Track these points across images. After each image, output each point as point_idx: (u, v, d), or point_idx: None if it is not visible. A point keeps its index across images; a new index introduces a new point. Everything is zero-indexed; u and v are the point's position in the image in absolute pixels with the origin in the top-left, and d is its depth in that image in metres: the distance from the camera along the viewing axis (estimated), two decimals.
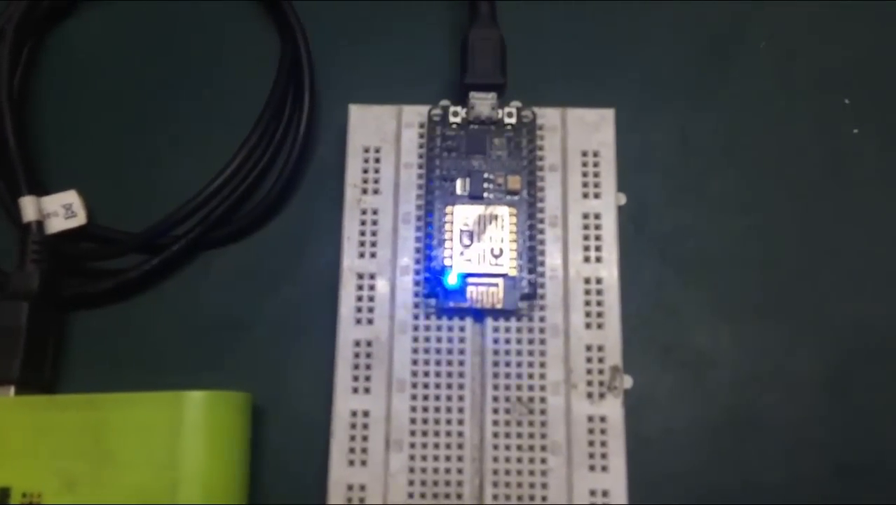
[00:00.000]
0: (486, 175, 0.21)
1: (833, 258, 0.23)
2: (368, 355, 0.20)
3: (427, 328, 0.21)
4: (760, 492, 0.21)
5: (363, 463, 0.20)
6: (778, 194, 0.23)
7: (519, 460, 0.20)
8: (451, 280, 0.20)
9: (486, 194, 0.21)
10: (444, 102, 0.22)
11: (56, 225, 0.21)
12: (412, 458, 0.20)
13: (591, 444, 0.20)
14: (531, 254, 0.21)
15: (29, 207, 0.21)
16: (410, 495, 0.19)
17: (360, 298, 0.21)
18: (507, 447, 0.20)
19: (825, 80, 0.24)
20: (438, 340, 0.20)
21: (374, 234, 0.21)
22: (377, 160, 0.22)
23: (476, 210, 0.21)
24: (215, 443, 0.19)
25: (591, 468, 0.20)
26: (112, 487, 0.18)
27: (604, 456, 0.20)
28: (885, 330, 0.22)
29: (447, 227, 0.21)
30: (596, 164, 0.22)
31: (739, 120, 0.24)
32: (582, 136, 0.22)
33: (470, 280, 0.21)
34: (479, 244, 0.21)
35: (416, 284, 0.21)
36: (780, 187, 0.23)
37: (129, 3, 0.25)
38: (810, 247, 0.23)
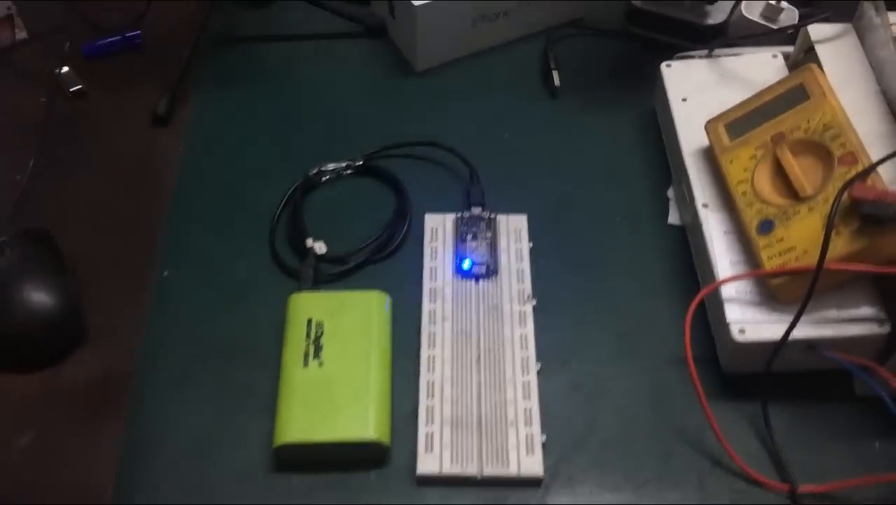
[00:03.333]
0: (478, 233, 0.58)
1: None
2: (434, 291, 0.55)
3: (457, 283, 0.55)
4: None
5: (434, 323, 0.53)
6: None
7: (492, 327, 0.53)
8: (466, 265, 0.56)
9: (478, 238, 0.57)
10: (462, 212, 0.59)
11: (318, 250, 0.57)
12: (452, 328, 0.53)
13: (520, 318, 0.54)
14: (495, 258, 0.56)
15: (310, 240, 0.57)
16: (454, 334, 0.53)
17: (431, 274, 0.56)
18: (489, 324, 0.53)
19: None
20: (462, 289, 0.55)
21: (436, 254, 0.57)
22: (436, 230, 0.58)
23: (475, 242, 0.57)
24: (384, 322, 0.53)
25: (519, 325, 0.53)
26: (344, 320, 0.51)
27: (524, 322, 0.54)
28: None
29: (465, 247, 0.57)
30: (519, 232, 0.59)
31: None
32: (513, 223, 0.59)
33: (474, 266, 0.56)
34: (476, 253, 0.56)
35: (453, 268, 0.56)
36: None
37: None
38: None
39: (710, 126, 0.57)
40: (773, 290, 0.49)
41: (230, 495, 0.47)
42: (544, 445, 0.49)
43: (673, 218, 0.61)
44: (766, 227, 0.50)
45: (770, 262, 0.49)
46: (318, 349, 0.50)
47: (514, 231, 0.59)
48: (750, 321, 0.49)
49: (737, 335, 0.49)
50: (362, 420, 0.48)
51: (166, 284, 0.57)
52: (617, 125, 0.67)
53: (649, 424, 0.51)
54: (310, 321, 0.51)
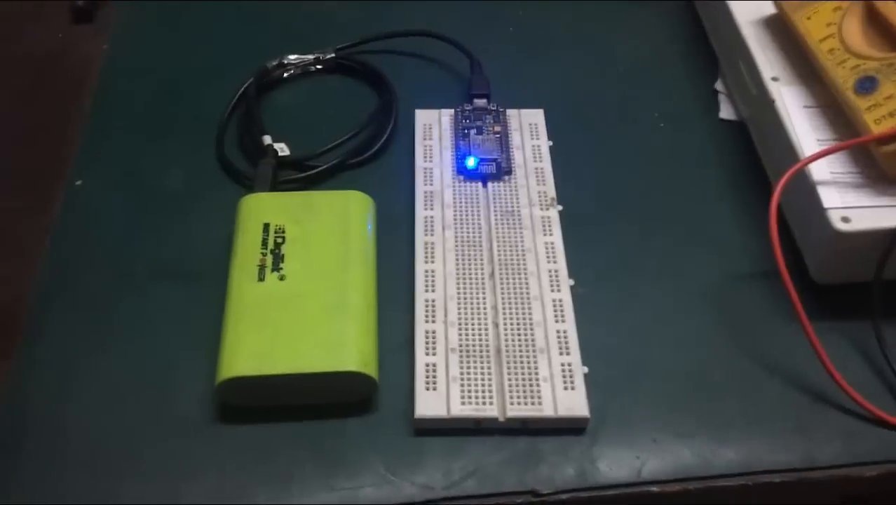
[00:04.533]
0: (484, 127, 0.45)
1: None
2: (431, 196, 0.42)
3: (460, 186, 0.43)
4: None
5: (432, 233, 0.40)
6: None
7: (508, 236, 0.41)
8: (471, 163, 0.43)
9: (485, 132, 0.45)
10: (459, 106, 0.46)
11: (280, 151, 0.44)
12: (456, 237, 0.40)
13: (543, 225, 0.41)
14: (507, 156, 0.44)
15: (267, 139, 0.44)
16: (458, 244, 0.40)
17: (427, 175, 0.43)
18: (503, 232, 0.41)
19: None
20: (466, 192, 0.42)
21: (430, 152, 0.44)
22: (430, 127, 0.46)
23: (480, 136, 0.44)
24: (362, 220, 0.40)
25: (544, 233, 0.41)
26: (313, 225, 0.38)
27: (550, 229, 0.41)
28: None
29: (468, 143, 0.44)
30: (535, 127, 0.46)
31: None
32: (527, 118, 0.46)
33: (480, 163, 0.43)
34: (483, 147, 0.44)
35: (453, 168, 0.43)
36: None
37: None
38: None
39: None
40: (884, 159, 0.37)
41: (156, 456, 0.34)
42: (587, 379, 0.36)
43: (726, 112, 0.49)
44: (868, 84, 0.38)
45: (878, 125, 0.37)
46: (277, 259, 0.37)
47: (528, 126, 0.46)
48: (854, 206, 0.37)
49: (839, 224, 0.36)
50: (339, 345, 0.34)
51: (78, 195, 0.43)
52: (645, 16, 0.55)
53: (722, 351, 0.38)
54: (267, 226, 0.38)
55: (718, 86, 0.50)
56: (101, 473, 0.33)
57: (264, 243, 0.38)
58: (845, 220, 0.37)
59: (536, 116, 0.47)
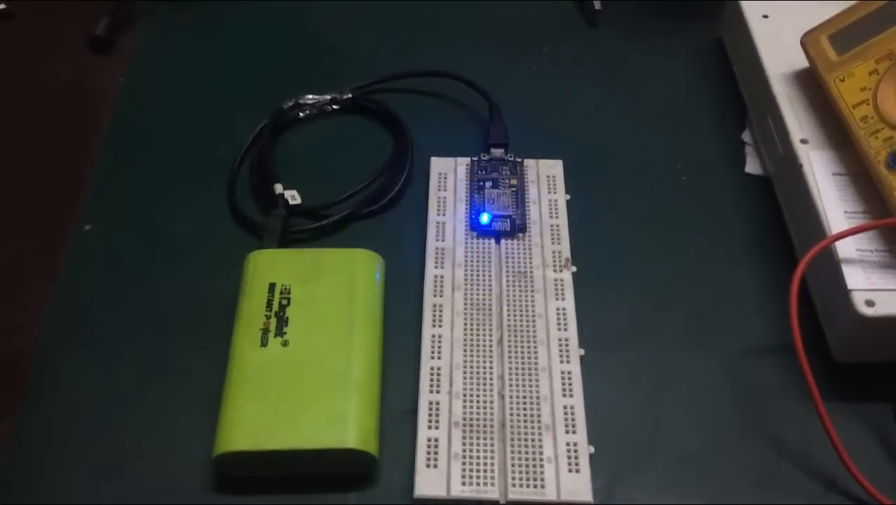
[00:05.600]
0: (500, 180, 0.44)
1: None
2: (442, 253, 0.41)
3: (472, 243, 0.42)
4: None
5: (441, 294, 0.39)
6: None
7: (519, 299, 0.40)
8: (485, 219, 0.42)
9: (500, 186, 0.44)
10: (476, 156, 0.45)
11: (290, 201, 0.43)
12: (466, 300, 0.40)
13: (556, 288, 0.40)
14: (522, 211, 0.43)
15: (279, 186, 0.43)
16: (467, 308, 0.39)
17: (438, 231, 0.42)
18: (514, 295, 0.40)
19: None
20: (479, 250, 0.42)
21: (443, 206, 0.43)
22: (445, 176, 0.45)
23: (495, 191, 0.43)
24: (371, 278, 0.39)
25: (556, 297, 0.40)
26: (319, 287, 0.38)
27: (562, 294, 0.40)
28: None
29: (483, 197, 0.43)
30: (553, 180, 0.45)
31: None
32: (545, 169, 0.45)
33: (494, 220, 0.42)
34: (498, 203, 0.43)
35: (466, 225, 0.42)
36: None
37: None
38: None
39: (808, 40, 0.43)
40: None
41: None
42: (592, 459, 0.35)
43: (752, 167, 0.47)
44: None
45: None
46: (282, 323, 0.36)
47: (546, 179, 0.45)
48: (880, 289, 0.36)
49: (863, 308, 0.35)
50: (339, 420, 0.34)
51: (87, 240, 0.43)
52: (670, 59, 0.53)
53: (733, 430, 0.37)
54: (272, 286, 0.38)
55: (745, 137, 0.49)
56: None
57: (269, 305, 0.37)
58: (870, 303, 0.35)
59: (555, 168, 0.45)
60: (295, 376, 0.35)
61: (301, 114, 0.49)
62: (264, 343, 0.36)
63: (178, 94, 0.50)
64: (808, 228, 0.40)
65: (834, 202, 0.39)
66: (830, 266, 0.37)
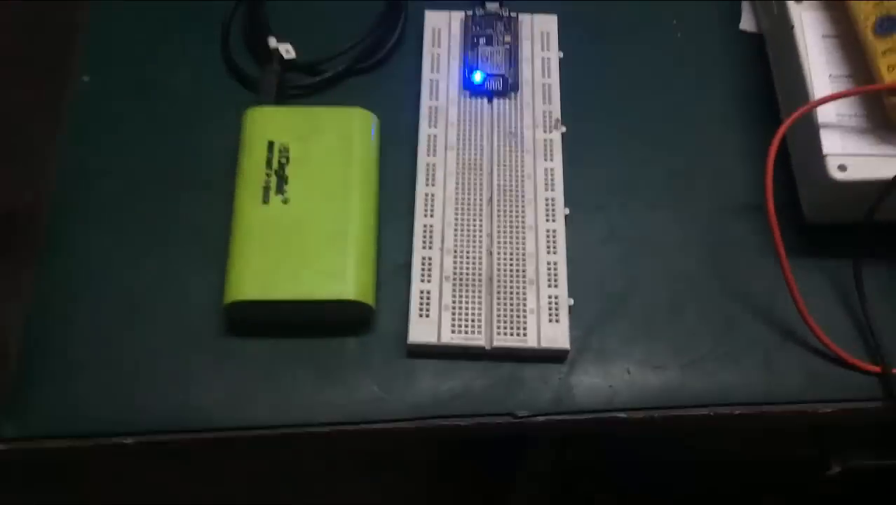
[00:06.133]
0: (493, 36, 0.44)
1: None
2: (435, 112, 0.42)
3: (465, 102, 0.43)
4: None
5: (434, 153, 0.41)
6: None
7: (509, 160, 0.41)
8: (477, 78, 0.43)
9: (494, 43, 0.44)
10: (470, 10, 0.45)
11: (284, 55, 0.43)
12: (458, 159, 0.41)
13: (545, 149, 0.41)
14: (515, 70, 0.43)
15: (273, 40, 0.43)
16: (459, 167, 0.41)
17: (432, 89, 0.43)
18: (504, 155, 0.41)
19: None
20: (471, 109, 0.43)
21: (438, 63, 0.44)
22: (439, 31, 0.45)
23: (489, 48, 0.44)
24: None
25: (545, 158, 0.41)
26: (316, 145, 0.39)
27: (551, 155, 0.41)
28: None
29: (476, 55, 0.43)
30: (547, 36, 0.45)
31: None
32: (540, 25, 0.45)
33: (487, 79, 0.43)
34: (491, 61, 0.43)
35: (459, 83, 0.43)
36: None
37: None
38: None
39: None
40: (891, 110, 0.37)
41: (168, 364, 0.37)
42: (571, 311, 0.38)
43: (747, 23, 0.47)
44: (888, 25, 0.37)
45: (892, 73, 0.36)
46: (281, 181, 0.38)
47: (540, 35, 0.45)
48: (853, 154, 0.37)
49: (835, 172, 0.37)
50: (339, 274, 0.36)
51: (87, 92, 0.44)
52: None
53: (704, 285, 0.40)
54: (271, 144, 0.39)
55: None
56: (116, 381, 0.37)
57: (269, 163, 0.39)
58: (842, 168, 0.37)
59: (549, 24, 0.45)
60: (296, 232, 0.37)
61: None
62: (266, 200, 0.38)
63: None
64: (793, 91, 0.41)
65: (821, 66, 0.40)
66: (810, 130, 0.38)
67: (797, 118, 0.37)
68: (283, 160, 0.39)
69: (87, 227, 0.40)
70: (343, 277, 0.36)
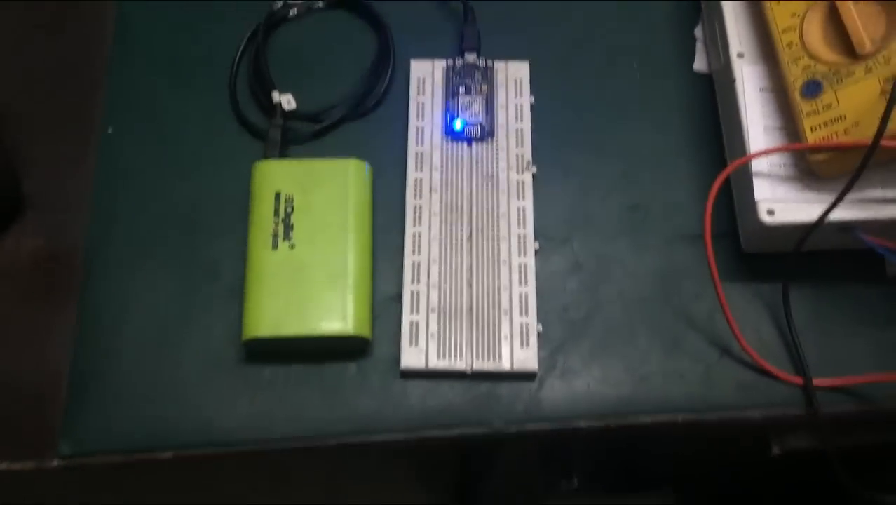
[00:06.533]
0: (472, 85, 0.50)
1: None
2: (421, 157, 0.48)
3: (447, 146, 0.48)
4: None
5: (421, 196, 0.47)
6: None
7: (486, 200, 0.47)
8: (458, 126, 0.48)
9: (472, 92, 0.49)
10: (451, 59, 0.50)
11: (286, 105, 0.49)
12: (441, 200, 0.47)
13: (518, 189, 0.47)
14: (491, 117, 0.49)
15: (276, 94, 0.49)
16: (442, 207, 0.47)
17: (418, 136, 0.49)
18: (482, 195, 0.47)
19: None
20: (453, 153, 0.48)
21: (423, 111, 0.49)
22: (424, 80, 0.50)
23: (468, 97, 0.49)
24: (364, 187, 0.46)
25: (517, 197, 0.47)
26: (317, 195, 0.45)
27: (522, 194, 0.47)
28: None
29: (457, 104, 0.49)
30: (520, 83, 0.50)
31: None
32: (513, 72, 0.50)
33: (465, 126, 0.49)
34: (470, 110, 0.49)
35: (442, 130, 0.49)
36: None
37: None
38: None
39: None
40: (813, 166, 0.43)
41: (197, 388, 0.44)
42: (540, 335, 0.44)
43: (699, 64, 0.52)
44: (813, 89, 0.43)
45: (813, 133, 0.42)
46: (288, 228, 0.44)
47: (513, 81, 0.50)
48: (781, 199, 0.43)
49: (765, 217, 0.43)
50: (339, 312, 0.43)
51: (112, 142, 0.50)
52: None
53: (656, 309, 0.46)
54: (278, 195, 0.45)
55: (698, 32, 0.53)
56: (153, 404, 0.43)
57: (276, 213, 0.45)
58: (770, 212, 0.43)
59: (522, 71, 0.51)
60: (301, 275, 0.43)
61: (290, 13, 0.53)
62: (275, 246, 0.44)
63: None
64: (733, 137, 0.47)
65: (757, 116, 0.45)
66: (745, 176, 0.44)
67: (732, 170, 0.43)
68: (289, 209, 0.45)
69: (119, 267, 0.46)
70: (343, 315, 0.42)
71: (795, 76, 0.43)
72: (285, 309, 0.42)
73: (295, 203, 0.45)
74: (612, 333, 0.45)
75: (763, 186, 0.43)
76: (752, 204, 0.43)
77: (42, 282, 0.46)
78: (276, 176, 0.46)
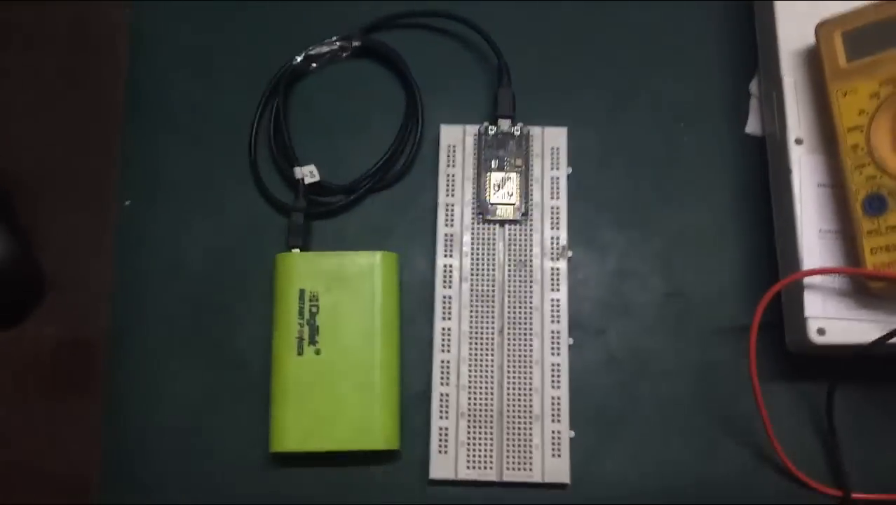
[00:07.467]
0: (505, 158, 0.46)
1: None
2: (451, 240, 0.46)
3: (478, 228, 0.46)
4: None
5: (450, 285, 0.45)
6: None
7: (518, 290, 0.45)
8: (490, 207, 0.46)
9: (506, 168, 0.46)
10: (486, 123, 0.47)
11: (308, 179, 0.46)
12: (472, 291, 0.45)
13: (552, 278, 0.45)
14: (526, 196, 0.46)
15: (299, 170, 0.46)
16: (473, 299, 0.45)
17: (448, 214, 0.46)
18: (514, 285, 0.45)
19: None
20: (484, 236, 0.46)
21: (452, 185, 0.46)
22: (454, 149, 0.47)
23: (501, 175, 0.46)
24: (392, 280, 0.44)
25: (552, 288, 0.45)
26: (343, 294, 0.43)
27: (557, 284, 0.45)
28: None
29: (488, 183, 0.46)
30: (557, 152, 0.47)
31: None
32: (550, 139, 0.47)
33: (498, 206, 0.46)
34: (503, 190, 0.46)
35: (473, 208, 0.46)
36: None
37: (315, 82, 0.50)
38: None
39: (822, 31, 0.42)
40: (871, 289, 0.40)
41: (225, 484, 0.44)
42: (572, 441, 0.43)
43: (753, 126, 0.49)
44: (877, 205, 0.39)
45: (873, 256, 0.39)
46: (313, 331, 0.43)
47: (549, 151, 0.47)
48: (833, 316, 0.41)
49: (815, 336, 0.40)
50: (368, 426, 0.42)
51: (130, 215, 0.48)
52: (695, 10, 0.51)
53: (694, 410, 0.45)
54: (302, 293, 0.43)
55: (753, 87, 0.49)
56: (179, 493, 0.43)
57: (301, 313, 0.43)
58: (821, 332, 0.40)
59: (559, 138, 0.47)
60: (328, 384, 0.42)
61: (312, 66, 0.49)
62: (300, 352, 0.42)
63: (188, 43, 0.50)
64: (785, 233, 0.43)
65: (813, 219, 0.42)
66: (796, 286, 0.42)
67: (784, 285, 0.41)
68: (314, 309, 0.43)
69: (144, 355, 0.45)
70: (371, 429, 0.42)
71: (858, 186, 0.40)
72: (313, 423, 0.42)
73: (320, 302, 0.43)
74: (647, 438, 0.44)
75: (815, 301, 0.41)
76: (801, 318, 0.41)
77: (66, 370, 0.45)
78: (300, 271, 0.44)
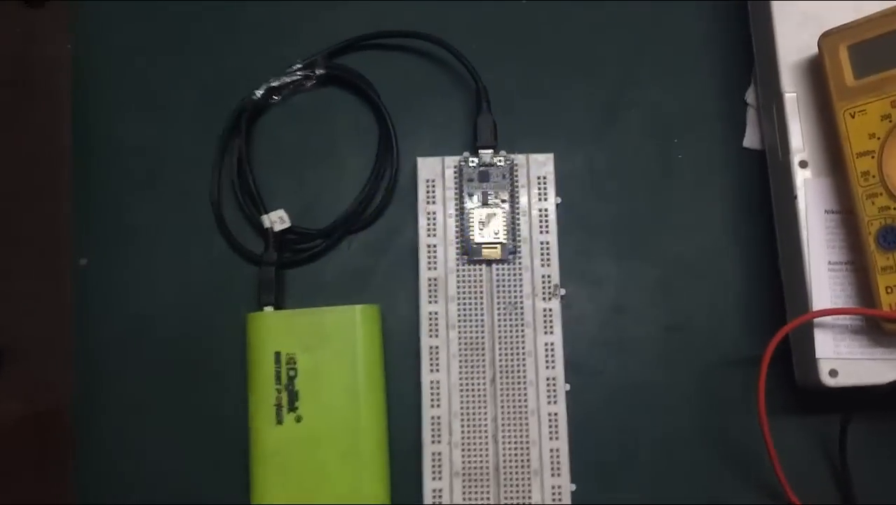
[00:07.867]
0: (489, 192, 0.43)
1: None
2: (435, 284, 0.43)
3: (463, 269, 0.43)
4: None
5: (436, 334, 0.42)
6: None
7: (509, 335, 0.42)
8: (475, 247, 0.42)
9: (490, 202, 0.43)
10: (466, 154, 0.43)
11: (278, 226, 0.43)
12: (460, 339, 0.42)
13: (544, 320, 0.42)
14: (513, 233, 0.43)
15: (267, 219, 0.42)
16: (462, 347, 0.42)
17: (430, 256, 0.43)
18: (505, 329, 0.42)
19: None
20: (470, 278, 0.43)
21: (434, 224, 0.43)
22: (433, 183, 0.44)
23: (486, 211, 0.43)
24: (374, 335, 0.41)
25: (545, 331, 0.42)
26: (322, 355, 0.40)
27: (550, 326, 0.42)
28: None
29: (471, 219, 0.43)
30: (544, 181, 0.44)
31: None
32: (535, 168, 0.44)
33: (483, 246, 0.43)
34: (488, 228, 0.43)
35: (457, 248, 0.43)
36: None
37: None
38: None
39: (826, 44, 0.39)
40: (887, 331, 0.37)
41: None
42: (573, 494, 0.41)
43: (751, 140, 0.45)
44: (892, 238, 0.36)
45: (889, 296, 0.36)
46: (293, 397, 0.40)
47: (536, 180, 0.44)
48: (845, 357, 0.38)
49: (827, 379, 0.38)
50: (356, 496, 0.39)
51: (87, 276, 0.44)
52: (684, 14, 0.47)
53: (697, 451, 0.42)
54: (278, 356, 0.40)
55: (749, 96, 0.46)
56: None
57: (278, 377, 0.40)
58: (833, 373, 0.38)
59: (545, 166, 0.44)
60: (311, 453, 0.39)
61: (274, 97, 0.45)
62: (279, 420, 0.40)
63: (133, 74, 0.46)
64: (792, 263, 0.41)
65: (821, 251, 0.39)
66: (805, 326, 0.39)
67: (792, 328, 0.38)
68: (292, 372, 0.40)
69: (113, 427, 0.42)
70: (359, 497, 0.39)
71: (871, 217, 0.37)
72: (296, 494, 0.39)
73: (298, 365, 0.40)
74: (649, 483, 0.42)
75: (826, 342, 0.38)
76: (811, 358, 0.38)
77: (33, 450, 0.42)
78: (274, 332, 0.41)
